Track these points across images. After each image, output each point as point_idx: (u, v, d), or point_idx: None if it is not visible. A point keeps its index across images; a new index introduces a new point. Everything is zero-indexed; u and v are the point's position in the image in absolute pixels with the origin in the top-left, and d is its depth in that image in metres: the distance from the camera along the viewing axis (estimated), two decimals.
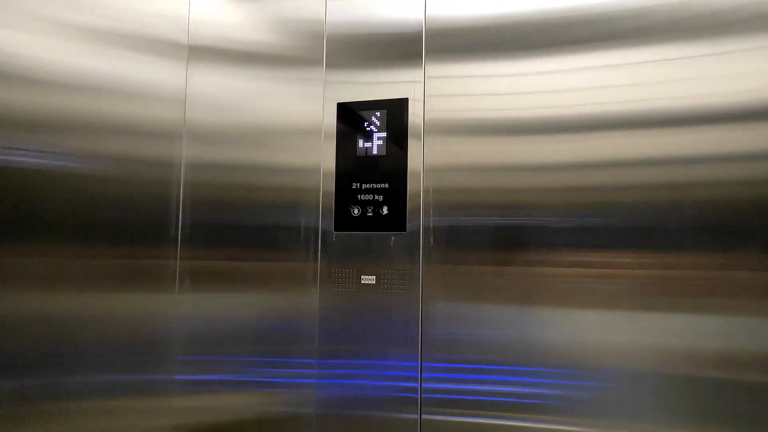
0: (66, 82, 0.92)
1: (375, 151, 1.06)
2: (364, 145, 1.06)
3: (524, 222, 0.96)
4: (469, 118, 1.01)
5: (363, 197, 1.05)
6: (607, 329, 0.92)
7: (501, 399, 0.96)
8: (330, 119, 1.08)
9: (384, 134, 1.05)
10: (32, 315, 0.88)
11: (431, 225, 1.01)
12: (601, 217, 0.93)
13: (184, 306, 1.13)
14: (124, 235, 1.05)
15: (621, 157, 0.92)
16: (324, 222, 1.07)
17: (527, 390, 0.95)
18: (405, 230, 1.02)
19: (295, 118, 1.11)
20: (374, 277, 1.03)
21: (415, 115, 1.03)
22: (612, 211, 0.92)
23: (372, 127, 1.06)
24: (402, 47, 1.06)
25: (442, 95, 1.03)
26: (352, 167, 1.07)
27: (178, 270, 1.14)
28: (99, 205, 1.00)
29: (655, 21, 0.92)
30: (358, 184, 1.06)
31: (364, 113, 1.07)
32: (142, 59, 1.08)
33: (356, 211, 1.06)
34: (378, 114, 1.06)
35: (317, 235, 1.07)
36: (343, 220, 1.06)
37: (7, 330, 0.84)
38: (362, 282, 1.04)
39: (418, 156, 1.03)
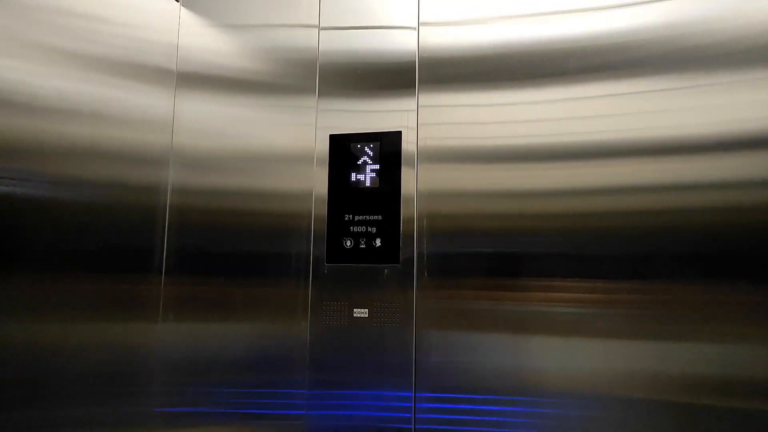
0: (53, 108, 0.91)
1: (368, 183, 1.05)
2: (356, 176, 1.05)
3: (518, 250, 0.96)
4: (463, 146, 1.01)
5: (356, 229, 1.04)
6: (603, 357, 0.91)
7: (497, 429, 0.95)
8: (322, 147, 1.07)
9: (377, 166, 1.05)
10: (11, 345, 0.86)
11: (425, 254, 1.00)
12: (595, 244, 0.93)
13: (167, 335, 1.11)
14: (107, 263, 1.03)
15: (613, 185, 0.93)
16: (315, 251, 1.05)
17: (523, 420, 0.94)
18: (398, 263, 1.02)
19: (286, 145, 1.10)
20: (367, 310, 1.02)
21: (408, 143, 1.03)
22: (607, 239, 0.92)
23: (365, 158, 1.06)
24: (395, 77, 1.06)
25: (435, 124, 1.03)
26: (344, 199, 1.06)
27: (162, 298, 1.11)
28: (83, 232, 0.98)
29: (645, 54, 0.94)
30: (351, 216, 1.05)
31: (357, 145, 1.06)
32: (131, 85, 1.07)
33: (348, 243, 1.04)
34: (371, 146, 1.05)
35: (308, 265, 1.05)
36: (335, 252, 1.05)
37: None
38: (354, 315, 1.03)
39: (411, 184, 1.02)
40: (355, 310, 1.02)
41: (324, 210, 1.06)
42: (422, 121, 1.03)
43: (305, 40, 1.11)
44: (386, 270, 1.02)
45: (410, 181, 1.02)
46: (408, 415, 0.98)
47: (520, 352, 0.95)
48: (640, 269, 0.90)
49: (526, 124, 0.98)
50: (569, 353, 0.92)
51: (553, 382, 0.93)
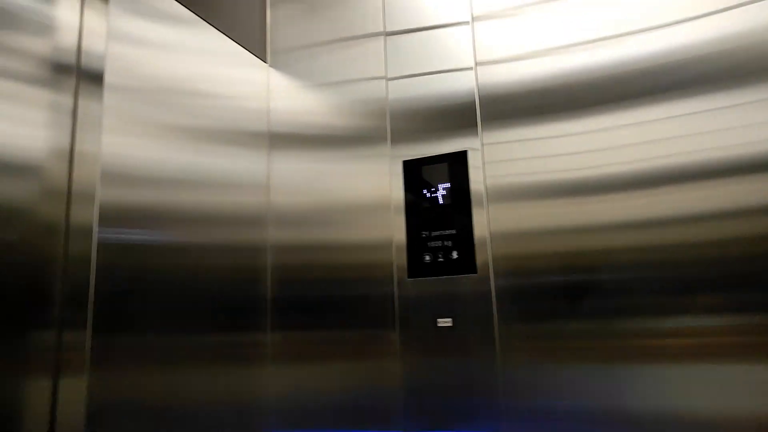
0: (168, 178, 1.03)
1: (441, 201, 1.11)
2: (430, 196, 1.12)
3: (595, 279, 0.95)
4: (531, 181, 1.04)
5: (432, 244, 1.10)
6: (688, 388, 0.87)
7: None
8: (397, 192, 1.15)
9: (447, 184, 1.11)
10: (142, 393, 0.91)
11: (501, 285, 1.03)
12: (677, 273, 0.90)
13: (275, 380, 1.18)
14: (220, 313, 1.11)
15: (689, 212, 0.90)
16: (401, 291, 1.11)
17: None
18: (476, 272, 1.05)
19: (365, 192, 1.19)
20: (450, 319, 1.05)
21: (475, 183, 1.08)
22: (691, 266, 0.89)
23: (436, 179, 1.12)
24: (458, 117, 1.13)
25: (500, 161, 1.07)
26: (420, 218, 1.12)
27: (269, 343, 1.20)
28: (197, 289, 1.05)
29: (714, 68, 0.92)
30: (428, 233, 1.11)
31: (427, 167, 1.14)
32: (230, 151, 1.21)
33: (428, 257, 1.10)
34: (440, 167, 1.12)
35: (394, 298, 1.11)
36: (416, 268, 1.11)
37: (114, 404, 0.88)
38: (438, 325, 1.06)
39: (482, 222, 1.06)
40: (438, 320, 1.05)
41: (404, 256, 1.12)
42: (487, 159, 1.08)
43: (376, 91, 1.23)
44: (465, 279, 1.05)
45: (481, 218, 1.06)
46: None
47: (611, 387, 0.92)
48: (734, 298, 0.86)
49: (595, 154, 0.99)
50: (663, 390, 0.89)
51: (647, 420, 0.89)
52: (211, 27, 1.19)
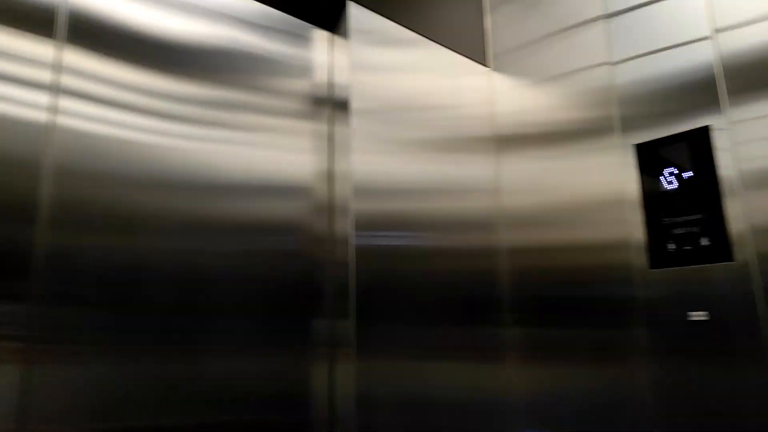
0: (408, 188, 1.13)
1: (682, 184, 1.02)
2: (669, 179, 1.04)
3: None
4: None
5: (677, 231, 1.02)
6: None
7: None
8: (630, 181, 1.10)
9: (689, 164, 1.02)
10: (392, 374, 1.03)
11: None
12: None
13: (515, 376, 1.21)
14: (459, 309, 1.19)
15: None
16: (643, 283, 1.05)
17: None
18: (732, 260, 0.95)
19: (595, 186, 1.16)
20: (706, 312, 0.96)
21: (724, 167, 0.97)
22: None
23: (674, 160, 1.04)
24: (697, 95, 1.03)
25: (756, 139, 0.95)
26: (660, 203, 1.05)
27: (507, 342, 1.24)
28: (437, 287, 1.14)
29: None
30: (670, 219, 1.03)
31: (663, 149, 1.06)
32: (461, 158, 1.28)
33: (671, 246, 1.02)
34: (678, 146, 1.04)
35: (636, 291, 1.06)
36: (659, 258, 1.04)
37: (375, 386, 1.01)
38: (690, 319, 0.98)
39: (736, 205, 0.95)
40: (690, 313, 0.97)
41: (643, 247, 1.06)
42: (739, 138, 0.96)
43: (599, 78, 1.18)
44: (719, 268, 0.96)
45: (736, 212, 0.96)
46: None
47: None
48: None
49: None
50: None
51: None
52: (434, 43, 1.29)
